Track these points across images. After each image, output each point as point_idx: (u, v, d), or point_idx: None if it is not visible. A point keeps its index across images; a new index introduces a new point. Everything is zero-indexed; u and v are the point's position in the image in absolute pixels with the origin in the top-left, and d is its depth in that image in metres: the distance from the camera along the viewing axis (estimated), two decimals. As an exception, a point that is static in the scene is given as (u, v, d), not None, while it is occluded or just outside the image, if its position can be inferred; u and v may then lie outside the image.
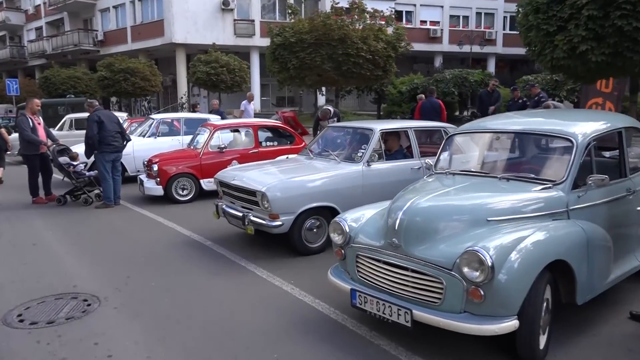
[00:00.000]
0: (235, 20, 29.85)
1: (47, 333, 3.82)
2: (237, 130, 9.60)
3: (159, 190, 8.52)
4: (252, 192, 5.43)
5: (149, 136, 10.94)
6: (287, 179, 5.48)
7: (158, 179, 8.49)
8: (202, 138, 9.21)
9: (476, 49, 30.52)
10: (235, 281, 4.89)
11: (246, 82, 20.08)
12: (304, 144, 9.73)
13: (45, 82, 25.52)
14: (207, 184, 8.75)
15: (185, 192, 8.67)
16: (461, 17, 35.96)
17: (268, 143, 9.38)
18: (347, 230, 3.79)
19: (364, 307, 3.46)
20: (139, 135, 10.89)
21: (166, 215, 7.64)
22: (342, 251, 3.84)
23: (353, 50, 10.59)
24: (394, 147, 6.45)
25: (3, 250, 6.09)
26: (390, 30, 11.38)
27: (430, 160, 4.76)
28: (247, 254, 5.62)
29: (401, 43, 11.34)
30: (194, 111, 14.13)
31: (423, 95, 13.73)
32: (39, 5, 40.07)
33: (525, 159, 4.54)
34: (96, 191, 8.90)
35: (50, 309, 4.25)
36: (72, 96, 20.83)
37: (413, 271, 3.25)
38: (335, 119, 10.88)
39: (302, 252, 5.51)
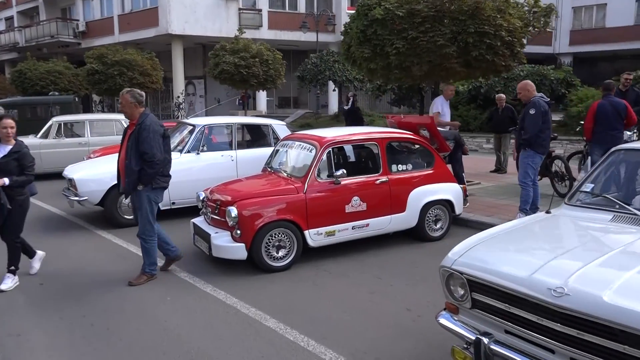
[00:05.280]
0: (240, 9, 26.20)
1: None
2: (347, 147, 6.08)
3: (239, 252, 4.92)
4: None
5: (189, 151, 7.37)
6: None
7: (238, 232, 4.91)
8: (295, 157, 5.71)
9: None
10: None
11: (281, 77, 16.29)
12: (445, 167, 6.33)
13: (19, 77, 21.32)
14: (315, 236, 5.23)
15: (281, 252, 5.11)
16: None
17: (400, 167, 5.89)
18: None
19: None
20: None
21: (271, 310, 4.08)
22: None
23: (490, 28, 7.11)
24: None
25: None
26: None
27: None
28: None
29: (540, 21, 7.91)
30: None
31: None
32: (10, -9, 35.61)
33: None
34: None
35: None
36: (57, 94, 16.85)
37: None
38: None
39: None
